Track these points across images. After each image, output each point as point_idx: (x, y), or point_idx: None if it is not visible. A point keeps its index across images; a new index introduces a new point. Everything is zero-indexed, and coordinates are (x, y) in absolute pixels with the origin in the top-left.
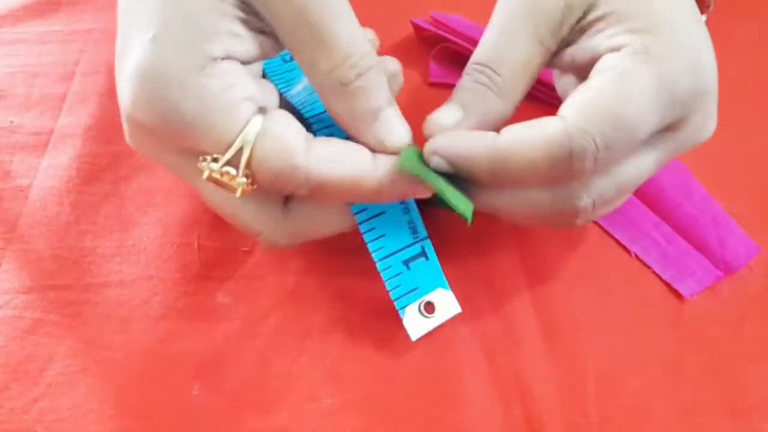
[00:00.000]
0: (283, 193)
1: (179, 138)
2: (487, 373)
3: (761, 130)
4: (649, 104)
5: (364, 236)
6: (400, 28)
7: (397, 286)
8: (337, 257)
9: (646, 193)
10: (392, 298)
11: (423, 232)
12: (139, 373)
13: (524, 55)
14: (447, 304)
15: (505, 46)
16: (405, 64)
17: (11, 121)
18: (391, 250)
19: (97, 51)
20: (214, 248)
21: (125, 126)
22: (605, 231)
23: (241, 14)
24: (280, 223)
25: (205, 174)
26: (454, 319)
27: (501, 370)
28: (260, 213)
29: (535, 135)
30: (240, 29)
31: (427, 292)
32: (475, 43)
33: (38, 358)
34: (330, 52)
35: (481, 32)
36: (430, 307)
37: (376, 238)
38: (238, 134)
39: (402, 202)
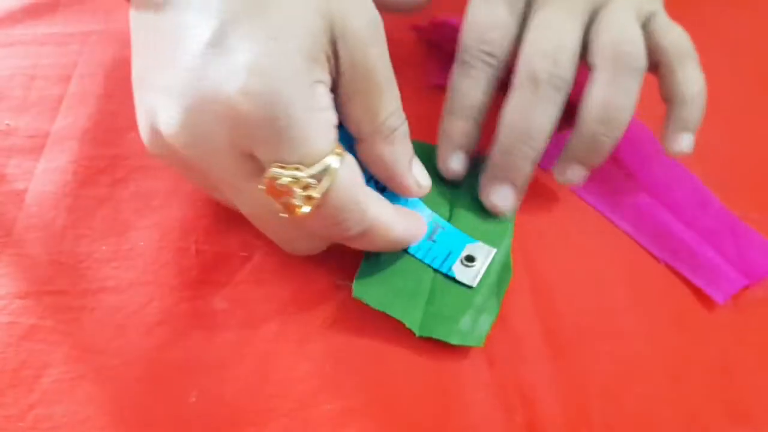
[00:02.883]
0: (328, 229)
1: (269, 137)
2: (488, 379)
3: None
4: None
5: None
6: (401, 30)
7: (435, 258)
8: (336, 262)
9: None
10: (436, 268)
11: (427, 209)
12: (135, 380)
13: None
14: (482, 250)
15: None
16: (405, 65)
17: (7, 124)
18: None
19: (95, 53)
20: (212, 253)
21: (181, 115)
22: (605, 235)
23: (328, 52)
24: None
25: (284, 180)
26: None
27: (502, 376)
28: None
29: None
30: (325, 63)
31: (460, 250)
32: None
33: (34, 364)
34: (389, 100)
35: None
36: (470, 258)
37: None
38: (327, 154)
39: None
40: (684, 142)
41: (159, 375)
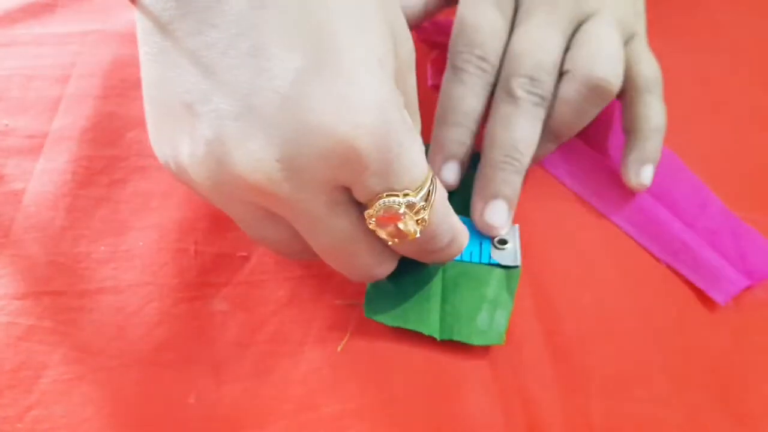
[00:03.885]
0: (422, 246)
1: (381, 168)
2: (488, 380)
3: None
4: None
5: None
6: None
7: (471, 252)
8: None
9: (663, 206)
10: (476, 261)
11: None
12: (134, 381)
13: None
14: (508, 231)
15: None
16: None
17: (6, 124)
18: None
19: (94, 53)
20: (211, 254)
21: (277, 148)
22: (606, 236)
23: None
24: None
25: (402, 208)
26: None
27: (503, 377)
28: (382, 250)
29: None
30: None
31: (488, 238)
32: None
33: (32, 365)
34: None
35: None
36: (502, 242)
37: None
38: (428, 176)
39: None
40: (643, 174)
41: (158, 376)
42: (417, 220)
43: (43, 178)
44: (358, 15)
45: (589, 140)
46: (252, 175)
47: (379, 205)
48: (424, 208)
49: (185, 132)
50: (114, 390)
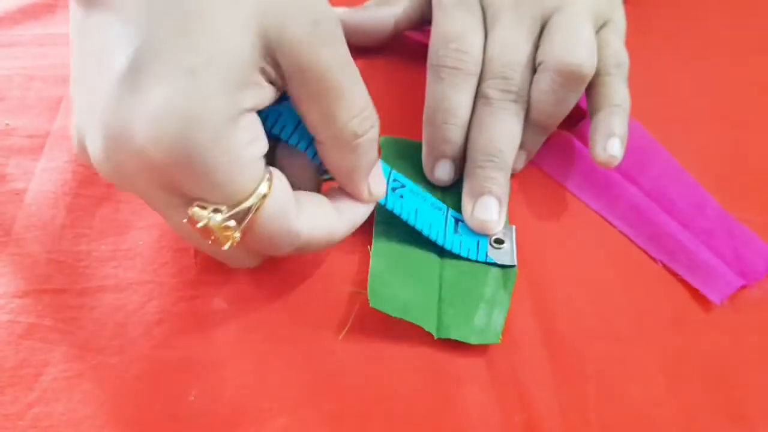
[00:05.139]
0: (265, 252)
1: (187, 181)
2: (486, 379)
3: None
4: None
5: (428, 237)
6: (401, 33)
7: (469, 250)
8: (334, 261)
9: (659, 206)
10: (473, 259)
11: (442, 204)
12: (135, 379)
13: None
14: (504, 230)
15: None
16: (404, 68)
17: (7, 124)
18: (442, 230)
19: None
20: None
21: (101, 143)
22: (602, 236)
23: (264, 65)
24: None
25: (202, 223)
26: None
27: (500, 376)
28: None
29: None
30: (260, 79)
31: (485, 236)
32: None
33: (33, 363)
34: (350, 104)
35: None
36: (498, 241)
37: (432, 232)
38: (251, 193)
39: (414, 192)
40: (610, 147)
41: (158, 374)
42: (226, 236)
43: (43, 177)
44: (180, 15)
45: (584, 140)
46: (94, 165)
47: (190, 211)
48: (232, 228)
49: (74, 110)
50: (114, 388)
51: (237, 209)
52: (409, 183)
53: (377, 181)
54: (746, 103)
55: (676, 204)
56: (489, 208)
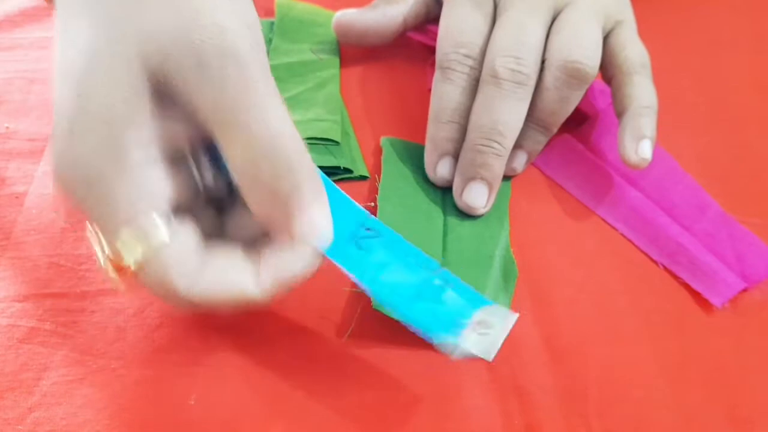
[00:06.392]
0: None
1: (79, 206)
2: (487, 382)
3: None
4: None
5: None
6: (401, 34)
7: (438, 324)
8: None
9: (660, 208)
10: (443, 334)
11: (436, 264)
12: (135, 383)
13: None
14: (498, 314)
15: None
16: (405, 70)
17: (7, 127)
18: (410, 295)
19: None
20: None
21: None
22: (603, 239)
23: (155, 97)
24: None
25: (101, 260)
26: None
27: (501, 379)
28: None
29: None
30: (154, 111)
31: (471, 312)
32: None
33: (33, 367)
34: (247, 143)
35: None
36: (484, 324)
37: (392, 299)
38: (142, 238)
39: (392, 244)
40: (641, 149)
41: (158, 378)
42: (113, 267)
43: (44, 180)
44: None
45: (586, 143)
46: None
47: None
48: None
49: None
50: (114, 391)
51: (118, 260)
52: (389, 233)
53: (314, 217)
54: (748, 105)
55: (678, 206)
56: (478, 194)
